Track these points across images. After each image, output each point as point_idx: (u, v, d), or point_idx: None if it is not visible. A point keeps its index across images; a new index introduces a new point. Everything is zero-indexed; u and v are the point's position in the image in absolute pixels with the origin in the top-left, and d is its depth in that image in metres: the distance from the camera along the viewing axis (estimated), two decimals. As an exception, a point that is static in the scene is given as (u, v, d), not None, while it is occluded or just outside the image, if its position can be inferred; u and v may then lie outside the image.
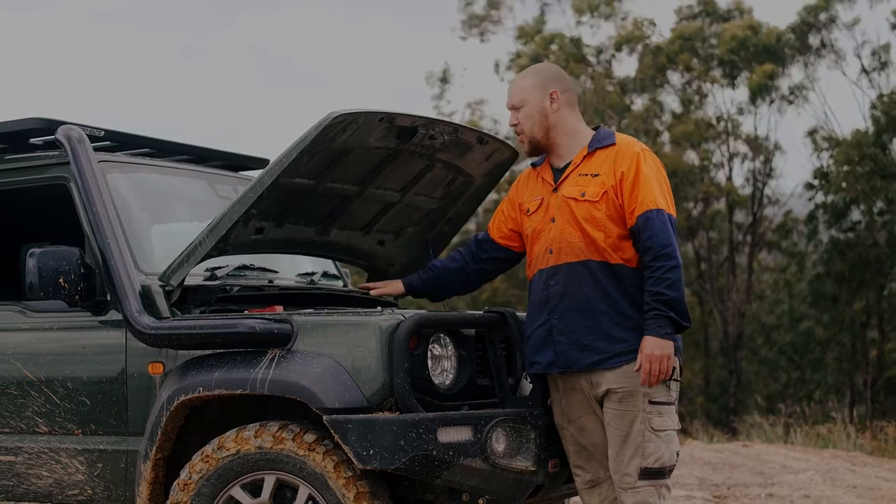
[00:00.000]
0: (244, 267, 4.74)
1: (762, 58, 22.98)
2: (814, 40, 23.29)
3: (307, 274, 5.22)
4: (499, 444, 3.96)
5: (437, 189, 4.83)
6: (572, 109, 4.20)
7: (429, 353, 4.03)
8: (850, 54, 23.40)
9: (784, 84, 23.74)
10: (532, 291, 4.19)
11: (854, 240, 21.89)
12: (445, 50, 62.61)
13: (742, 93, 24.10)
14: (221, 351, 4.10)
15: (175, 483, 4.10)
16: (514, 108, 4.18)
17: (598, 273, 4.02)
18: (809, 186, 22.54)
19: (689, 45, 23.64)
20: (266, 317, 4.08)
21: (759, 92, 23.35)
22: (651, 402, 3.99)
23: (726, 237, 25.61)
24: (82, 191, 4.41)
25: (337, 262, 5.51)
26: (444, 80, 26.60)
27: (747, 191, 25.01)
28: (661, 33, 24.67)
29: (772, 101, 23.83)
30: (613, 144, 4.12)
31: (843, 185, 21.37)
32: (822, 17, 23.11)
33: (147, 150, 5.18)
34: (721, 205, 25.64)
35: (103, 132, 4.83)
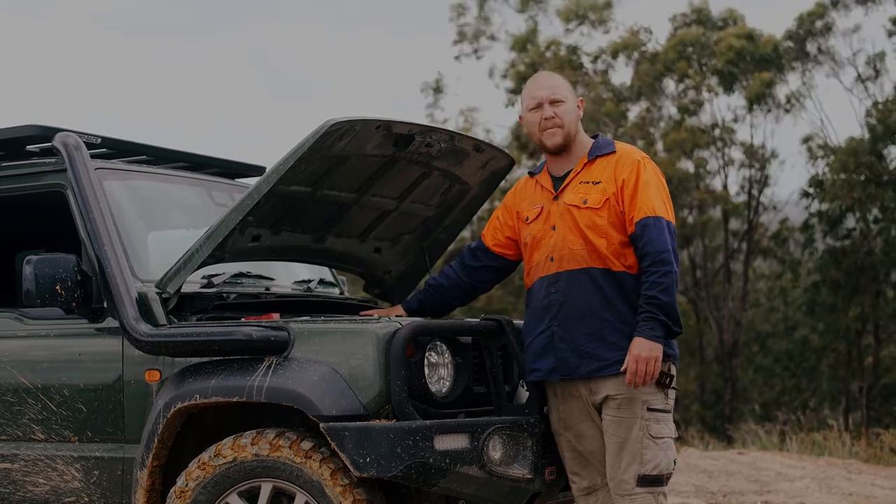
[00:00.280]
0: (241, 274, 4.74)
1: (760, 67, 22.98)
2: (811, 48, 23.30)
3: (304, 281, 5.21)
4: (495, 451, 3.96)
5: (433, 197, 4.83)
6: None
7: (425, 360, 4.03)
8: (847, 62, 23.44)
9: (781, 92, 23.78)
10: (532, 299, 4.19)
11: (849, 247, 21.92)
12: (441, 59, 62.78)
13: (738, 99, 24.11)
14: (218, 358, 4.10)
15: (171, 491, 4.10)
16: (554, 101, 4.16)
17: (601, 280, 4.04)
18: (805, 195, 22.56)
19: (687, 53, 23.64)
20: (263, 324, 4.08)
21: (757, 100, 23.37)
22: (650, 410, 4.01)
23: (722, 245, 25.62)
24: (79, 198, 4.40)
25: (333, 270, 5.51)
26: (438, 89, 26.66)
27: (742, 198, 25.01)
28: (658, 41, 24.70)
29: (769, 110, 23.85)
30: (614, 152, 4.15)
31: (839, 192, 21.38)
32: (818, 24, 23.12)
33: (144, 157, 5.18)
34: (717, 212, 25.64)
35: (100, 139, 4.83)
